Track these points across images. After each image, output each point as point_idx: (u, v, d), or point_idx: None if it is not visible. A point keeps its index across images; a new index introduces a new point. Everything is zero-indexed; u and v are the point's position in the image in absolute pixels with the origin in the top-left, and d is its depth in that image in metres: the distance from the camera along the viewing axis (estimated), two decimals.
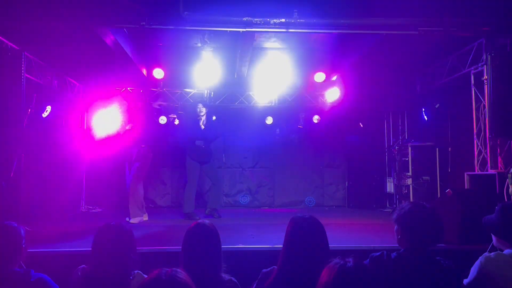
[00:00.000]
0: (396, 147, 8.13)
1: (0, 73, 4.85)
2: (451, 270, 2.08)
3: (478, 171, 5.60)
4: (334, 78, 7.84)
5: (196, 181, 6.79)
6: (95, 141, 6.93)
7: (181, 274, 1.39)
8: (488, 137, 5.28)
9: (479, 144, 5.70)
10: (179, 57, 7.11)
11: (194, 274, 1.57)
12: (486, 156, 5.51)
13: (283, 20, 4.92)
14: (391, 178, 8.63)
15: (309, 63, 7.32)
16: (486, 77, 5.27)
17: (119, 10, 4.83)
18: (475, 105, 5.82)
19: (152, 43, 6.74)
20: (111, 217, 6.58)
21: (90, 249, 2.21)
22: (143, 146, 6.39)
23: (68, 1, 4.82)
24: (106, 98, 7.64)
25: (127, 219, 6.19)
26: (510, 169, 4.96)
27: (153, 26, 4.92)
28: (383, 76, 7.92)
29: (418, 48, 6.18)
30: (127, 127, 6.39)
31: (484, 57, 5.38)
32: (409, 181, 7.35)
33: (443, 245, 4.11)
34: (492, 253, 2.28)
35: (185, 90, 8.54)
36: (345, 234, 5.22)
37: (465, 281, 2.28)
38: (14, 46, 5.48)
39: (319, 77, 7.73)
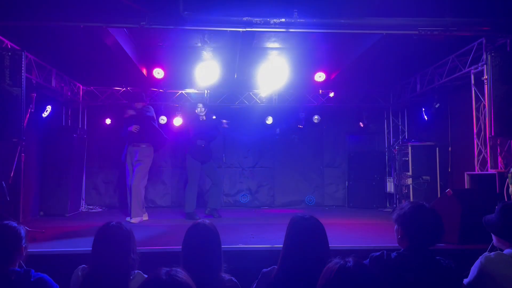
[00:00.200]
0: (396, 147, 8.13)
1: (0, 73, 4.84)
2: (451, 270, 2.08)
3: (478, 171, 5.60)
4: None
5: (197, 180, 6.81)
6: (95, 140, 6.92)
7: (181, 274, 1.39)
8: (488, 136, 5.28)
9: (479, 144, 5.69)
10: (179, 57, 7.12)
11: (194, 274, 1.57)
12: (486, 156, 5.51)
13: (283, 20, 4.92)
14: (391, 177, 8.63)
15: (309, 63, 7.32)
16: (486, 77, 5.26)
17: (119, 10, 4.82)
18: (475, 105, 5.82)
19: (152, 43, 6.75)
20: (111, 217, 6.58)
21: (90, 249, 2.21)
22: (144, 146, 6.38)
23: (68, 1, 4.82)
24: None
25: (127, 218, 6.19)
26: (510, 168, 4.95)
27: (153, 26, 4.92)
28: (383, 75, 7.93)
29: (418, 48, 6.18)
30: (134, 129, 6.36)
31: (484, 56, 5.37)
32: (409, 181, 7.35)
33: (443, 244, 4.11)
34: (492, 253, 2.28)
35: (185, 90, 8.54)
36: (345, 234, 5.23)
37: (465, 281, 2.28)
38: (14, 46, 5.49)
39: (319, 76, 7.74)
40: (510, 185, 4.65)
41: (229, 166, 9.07)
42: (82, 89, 8.44)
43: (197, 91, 8.45)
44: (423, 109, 7.77)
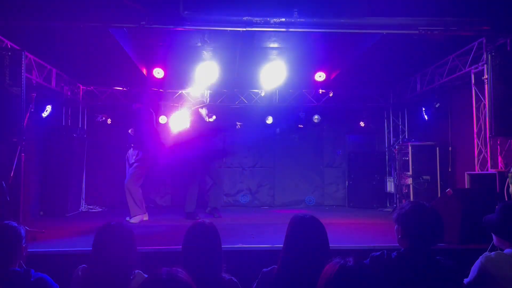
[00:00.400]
0: (397, 147, 8.13)
1: (0, 73, 4.84)
2: (452, 269, 2.07)
3: (478, 171, 5.60)
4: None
5: (198, 180, 6.81)
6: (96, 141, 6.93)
7: (182, 273, 1.39)
8: (489, 136, 5.28)
9: (479, 144, 5.69)
10: (179, 57, 7.11)
11: (195, 274, 1.57)
12: (486, 156, 5.51)
13: (283, 19, 4.92)
14: (392, 177, 8.63)
15: (309, 63, 7.32)
16: (486, 77, 5.26)
17: (119, 9, 4.82)
18: (475, 105, 5.82)
19: (152, 42, 6.74)
20: (111, 217, 6.58)
21: (91, 248, 2.21)
22: (137, 150, 6.41)
23: (68, 1, 4.81)
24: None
25: (127, 218, 6.19)
26: (510, 168, 4.94)
27: (153, 26, 4.92)
28: (383, 75, 7.92)
29: (418, 48, 6.18)
30: (130, 132, 6.47)
31: (485, 56, 5.37)
32: (410, 181, 7.35)
33: (443, 244, 4.11)
34: (493, 253, 2.28)
35: (186, 90, 8.54)
36: (345, 234, 5.23)
37: (466, 280, 2.28)
38: (14, 45, 5.48)
39: (319, 76, 7.74)
40: (510, 185, 4.64)
41: (229, 166, 9.07)
42: (82, 89, 8.44)
43: (197, 91, 8.44)
44: (423, 109, 7.77)
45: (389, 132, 9.18)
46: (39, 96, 6.44)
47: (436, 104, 7.18)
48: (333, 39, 6.37)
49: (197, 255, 2.15)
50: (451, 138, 7.12)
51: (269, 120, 8.72)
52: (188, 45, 6.70)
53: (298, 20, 4.92)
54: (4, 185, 4.83)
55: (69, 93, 7.84)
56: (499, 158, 5.33)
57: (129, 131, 6.47)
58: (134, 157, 6.35)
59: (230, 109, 8.76)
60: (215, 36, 6.18)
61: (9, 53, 4.92)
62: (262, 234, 5.25)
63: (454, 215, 4.28)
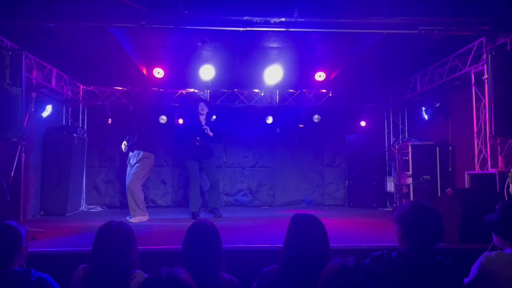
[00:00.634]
0: (397, 146, 8.13)
1: (0, 73, 4.84)
2: (452, 269, 2.08)
3: (478, 170, 5.60)
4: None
5: (198, 179, 6.80)
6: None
7: (182, 273, 1.39)
8: (489, 136, 5.28)
9: (479, 143, 5.69)
10: (179, 57, 7.11)
11: (195, 274, 1.57)
12: (486, 155, 5.51)
13: (283, 19, 4.92)
14: (392, 177, 8.63)
15: (309, 62, 7.32)
16: (486, 76, 5.26)
17: (119, 9, 4.82)
18: (475, 104, 5.82)
19: (152, 42, 6.74)
20: (112, 217, 6.58)
21: (91, 248, 2.21)
22: (137, 150, 6.41)
23: (68, 1, 4.81)
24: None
25: (127, 218, 6.19)
26: (510, 168, 4.96)
27: (153, 26, 4.92)
28: (383, 75, 7.92)
29: (418, 47, 6.18)
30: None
31: (485, 56, 5.37)
32: (410, 180, 7.35)
33: (443, 244, 4.11)
34: (493, 253, 2.28)
35: (186, 89, 8.54)
36: (345, 234, 5.23)
37: (466, 280, 2.28)
38: (14, 45, 5.48)
39: (319, 76, 7.74)
40: (510, 185, 4.65)
41: (229, 165, 9.07)
42: (82, 88, 8.44)
43: (197, 91, 8.45)
44: (423, 109, 7.77)
45: (389, 132, 9.18)
46: (39, 96, 6.48)
47: (436, 103, 7.18)
48: (333, 39, 6.37)
49: (198, 255, 2.15)
50: (451, 138, 7.12)
51: (269, 120, 8.72)
52: (188, 44, 6.70)
53: (298, 20, 4.92)
54: (5, 184, 4.83)
55: (69, 93, 7.84)
56: (499, 158, 5.33)
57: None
58: (136, 157, 6.34)
59: (231, 108, 8.76)
60: (215, 36, 6.17)
61: (9, 53, 4.92)
62: (262, 234, 5.25)
63: (454, 215, 4.28)
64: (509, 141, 5.30)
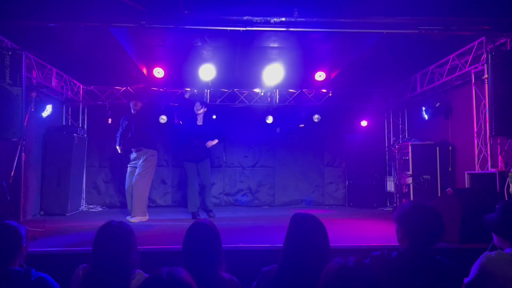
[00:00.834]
0: (397, 146, 8.13)
1: (0, 73, 4.84)
2: (452, 269, 2.07)
3: (478, 170, 5.60)
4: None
5: (196, 180, 6.78)
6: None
7: (182, 273, 1.39)
8: (489, 136, 5.28)
9: (479, 143, 5.69)
10: (179, 56, 7.11)
11: (195, 273, 1.57)
12: (486, 155, 5.51)
13: (283, 19, 4.92)
14: (392, 177, 8.63)
15: (309, 62, 7.32)
16: (486, 76, 5.26)
17: (119, 9, 4.82)
18: (475, 104, 5.82)
19: (152, 42, 6.74)
20: (112, 216, 6.58)
21: (91, 248, 2.21)
22: (144, 149, 6.40)
23: (68, 1, 4.81)
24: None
25: (127, 218, 6.19)
26: (510, 168, 4.96)
27: (153, 26, 4.92)
28: (383, 75, 7.92)
29: (418, 47, 6.18)
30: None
31: (485, 56, 5.37)
32: (410, 180, 7.35)
33: (443, 244, 4.11)
34: (493, 252, 2.28)
35: (186, 89, 8.53)
36: (345, 233, 5.22)
37: (466, 280, 2.28)
38: (14, 45, 5.49)
39: (319, 76, 7.74)
40: (510, 184, 4.65)
41: (229, 165, 9.07)
42: (82, 88, 8.44)
43: (197, 90, 8.44)
44: (423, 108, 7.77)
45: (389, 132, 9.18)
46: (39, 95, 6.48)
47: (436, 103, 7.18)
48: (333, 38, 6.37)
49: (198, 255, 2.15)
50: (451, 138, 7.12)
51: (269, 119, 8.72)
52: (188, 44, 6.69)
53: (298, 19, 4.92)
54: (5, 184, 4.83)
55: (69, 93, 7.84)
56: (499, 158, 5.33)
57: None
58: (143, 156, 6.31)
59: (231, 108, 8.76)
60: (215, 36, 6.17)
61: (10, 53, 4.93)
62: (262, 234, 5.25)
63: (454, 215, 4.28)
64: (509, 141, 5.30)
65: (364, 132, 9.04)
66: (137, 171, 6.29)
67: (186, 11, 4.78)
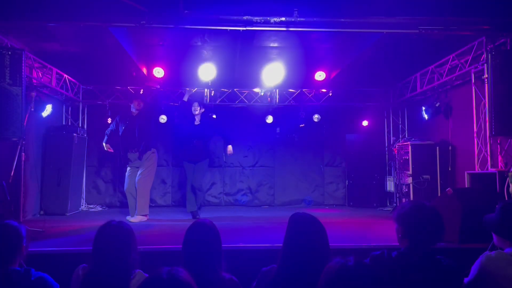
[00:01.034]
0: (396, 146, 8.13)
1: (0, 72, 4.84)
2: (452, 269, 2.07)
3: (478, 170, 5.60)
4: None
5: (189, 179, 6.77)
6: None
7: (182, 273, 1.39)
8: (489, 135, 5.28)
9: (479, 143, 5.69)
10: (179, 56, 7.11)
11: (195, 273, 1.57)
12: (486, 155, 5.51)
13: (283, 19, 4.92)
14: (392, 176, 8.63)
15: (309, 62, 7.32)
16: (486, 76, 5.26)
17: (119, 9, 4.82)
18: (475, 104, 5.82)
19: (152, 42, 6.74)
20: (112, 216, 6.58)
21: (91, 248, 2.21)
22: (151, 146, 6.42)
23: (68, 1, 4.81)
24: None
25: (127, 218, 6.19)
26: (510, 168, 4.95)
27: (153, 25, 4.92)
28: (383, 74, 7.92)
29: (418, 47, 6.18)
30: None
31: (485, 55, 5.37)
32: (410, 180, 7.35)
33: (443, 244, 4.11)
34: (493, 252, 2.27)
35: (186, 89, 8.52)
36: (345, 233, 5.23)
37: (466, 280, 2.28)
38: (14, 45, 5.48)
39: (319, 75, 7.74)
40: (510, 184, 4.65)
41: (229, 165, 9.07)
42: (82, 88, 8.44)
43: (197, 90, 8.43)
44: (423, 108, 7.77)
45: (389, 131, 9.18)
46: (39, 95, 6.48)
47: (436, 103, 7.18)
48: (333, 38, 6.37)
49: (197, 254, 2.15)
50: (451, 137, 7.12)
51: (269, 119, 8.72)
52: (188, 44, 6.70)
53: (298, 19, 4.91)
54: (5, 184, 4.83)
55: (69, 93, 7.84)
56: (499, 158, 5.33)
57: None
58: (145, 156, 6.31)
59: (231, 108, 8.76)
60: (215, 36, 6.17)
61: (9, 52, 4.92)
62: (262, 233, 5.25)
63: (454, 215, 4.28)
64: (509, 140, 5.30)
65: (364, 131, 9.04)
66: (140, 170, 6.29)
67: (186, 11, 4.78)
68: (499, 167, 5.25)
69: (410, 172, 7.34)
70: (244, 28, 4.99)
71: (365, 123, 8.96)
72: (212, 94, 8.43)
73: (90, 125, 8.62)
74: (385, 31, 5.16)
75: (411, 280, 2.02)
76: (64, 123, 8.20)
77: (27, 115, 5.22)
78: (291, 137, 9.05)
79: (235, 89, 8.63)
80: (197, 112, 6.64)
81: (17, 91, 4.89)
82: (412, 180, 7.29)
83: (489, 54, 5.07)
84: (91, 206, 8.34)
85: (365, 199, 8.66)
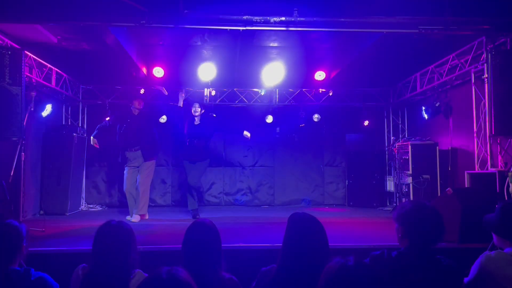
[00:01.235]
0: (396, 146, 8.13)
1: (0, 72, 4.84)
2: (452, 269, 2.07)
3: (478, 170, 5.60)
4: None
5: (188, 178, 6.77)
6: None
7: (182, 272, 1.38)
8: (489, 135, 5.28)
9: (479, 143, 5.69)
10: (179, 56, 7.11)
11: (195, 273, 1.57)
12: (486, 155, 5.51)
13: (283, 18, 4.91)
14: (391, 176, 8.63)
15: (309, 62, 7.32)
16: (486, 76, 5.26)
17: (119, 8, 4.81)
18: (475, 104, 5.82)
19: (152, 41, 6.74)
20: (111, 216, 6.58)
21: (91, 248, 2.21)
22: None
23: (68, 0, 4.81)
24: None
25: (127, 217, 6.20)
26: (510, 167, 4.95)
27: (153, 25, 4.91)
28: (383, 74, 7.92)
29: (418, 47, 6.18)
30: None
31: (485, 55, 5.37)
32: (409, 180, 7.35)
33: (443, 244, 4.11)
34: (493, 252, 2.28)
35: (186, 89, 8.51)
36: (345, 233, 5.23)
37: (466, 279, 2.28)
38: (14, 44, 5.48)
39: (319, 75, 7.74)
40: (510, 184, 4.65)
41: (229, 165, 9.07)
42: (82, 87, 8.44)
43: (197, 90, 8.44)
44: (423, 108, 7.78)
45: (389, 131, 9.18)
46: (39, 95, 6.48)
47: (436, 103, 7.18)
48: (333, 38, 6.37)
49: (197, 254, 2.15)
50: (451, 137, 7.12)
51: (269, 119, 8.72)
52: (188, 44, 6.70)
53: (298, 19, 4.91)
54: (4, 184, 4.83)
55: (69, 92, 7.83)
56: (499, 157, 5.33)
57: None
58: (143, 156, 6.31)
59: (230, 108, 8.76)
60: (215, 35, 6.17)
61: (9, 52, 4.92)
62: (262, 233, 5.25)
63: (454, 214, 4.28)
64: (509, 140, 5.30)
65: (364, 131, 9.04)
66: (139, 174, 6.29)
67: (186, 11, 4.78)
68: (499, 167, 5.25)
69: (410, 172, 7.34)
70: (244, 28, 4.99)
71: (365, 123, 8.95)
72: (212, 94, 8.43)
73: (90, 125, 8.60)
74: (385, 31, 5.16)
75: (411, 280, 2.01)
76: (64, 123, 8.20)
77: (26, 115, 5.22)
78: (291, 137, 9.05)
79: (234, 89, 8.62)
80: (197, 113, 6.63)
81: (17, 91, 4.89)
82: (412, 180, 7.29)
83: (489, 54, 5.07)
84: (91, 206, 8.33)
85: (365, 199, 8.66)
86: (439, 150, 7.26)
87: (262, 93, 8.62)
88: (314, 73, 7.72)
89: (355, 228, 5.81)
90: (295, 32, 5.45)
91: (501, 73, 5.00)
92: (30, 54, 6.12)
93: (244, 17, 4.89)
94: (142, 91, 8.16)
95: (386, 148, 9.12)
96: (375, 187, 8.73)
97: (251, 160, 9.10)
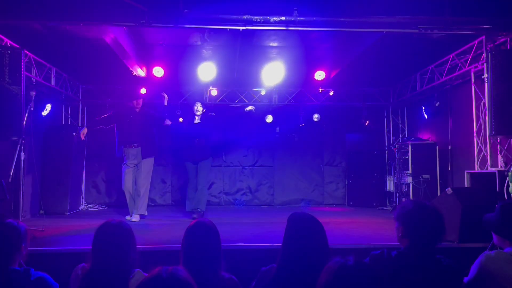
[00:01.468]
0: (396, 145, 8.13)
1: None
2: (452, 268, 2.07)
3: (478, 169, 5.60)
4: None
5: (194, 180, 6.76)
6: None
7: (182, 272, 1.38)
8: (488, 135, 5.28)
9: (479, 142, 5.69)
10: (179, 56, 7.11)
11: (194, 273, 1.57)
12: (486, 154, 5.51)
13: (283, 18, 4.91)
14: (391, 176, 8.63)
15: (309, 61, 7.32)
16: (486, 75, 5.26)
17: (119, 8, 4.81)
18: (475, 103, 5.82)
19: (152, 41, 6.73)
20: (111, 216, 6.58)
21: (90, 247, 2.21)
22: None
23: (68, 0, 4.80)
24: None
25: (127, 217, 6.19)
26: (510, 167, 4.95)
27: (153, 25, 4.91)
28: (383, 74, 7.92)
29: (418, 46, 6.17)
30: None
31: (485, 55, 5.37)
32: (409, 179, 7.35)
33: (443, 243, 4.11)
34: (493, 251, 2.28)
35: (186, 89, 8.52)
36: (345, 233, 5.23)
37: (466, 279, 2.28)
38: (14, 44, 5.47)
39: (319, 75, 7.74)
40: (510, 184, 4.65)
41: (229, 164, 9.07)
42: (82, 87, 8.44)
43: (197, 90, 8.44)
44: (423, 108, 7.78)
45: (388, 131, 9.18)
46: (38, 94, 6.45)
47: (436, 103, 7.18)
48: (333, 38, 6.37)
49: (197, 254, 2.15)
50: (451, 137, 7.12)
51: (269, 119, 8.71)
52: (188, 43, 6.70)
53: (298, 18, 4.91)
54: (4, 183, 4.83)
55: (68, 92, 7.83)
56: (499, 157, 5.33)
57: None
58: (142, 153, 6.31)
59: (230, 108, 8.76)
60: (215, 35, 6.17)
61: (9, 52, 4.91)
62: (262, 233, 5.25)
63: (454, 214, 4.28)
64: (509, 140, 5.30)
65: (364, 131, 9.04)
66: (141, 168, 6.27)
67: (186, 10, 4.77)
68: (499, 167, 5.25)
69: (410, 171, 7.35)
70: (244, 28, 4.99)
71: (365, 123, 8.95)
72: (213, 94, 8.43)
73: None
74: (385, 30, 5.16)
75: (411, 280, 2.01)
76: (63, 122, 8.19)
77: (26, 114, 5.21)
78: (291, 136, 9.05)
79: (234, 89, 8.62)
80: (199, 112, 6.64)
81: (17, 90, 4.88)
82: (412, 180, 7.30)
83: (489, 54, 5.07)
84: (91, 205, 8.33)
85: (365, 198, 8.66)
86: (439, 149, 7.26)
87: (262, 93, 8.62)
88: (314, 73, 7.73)
89: (355, 227, 5.81)
90: (295, 32, 5.44)
91: (501, 73, 5.00)
92: (29, 53, 6.11)
93: (244, 17, 4.89)
94: (143, 90, 8.15)
95: (386, 148, 9.12)
96: (375, 187, 8.73)
97: (251, 160, 9.10)
